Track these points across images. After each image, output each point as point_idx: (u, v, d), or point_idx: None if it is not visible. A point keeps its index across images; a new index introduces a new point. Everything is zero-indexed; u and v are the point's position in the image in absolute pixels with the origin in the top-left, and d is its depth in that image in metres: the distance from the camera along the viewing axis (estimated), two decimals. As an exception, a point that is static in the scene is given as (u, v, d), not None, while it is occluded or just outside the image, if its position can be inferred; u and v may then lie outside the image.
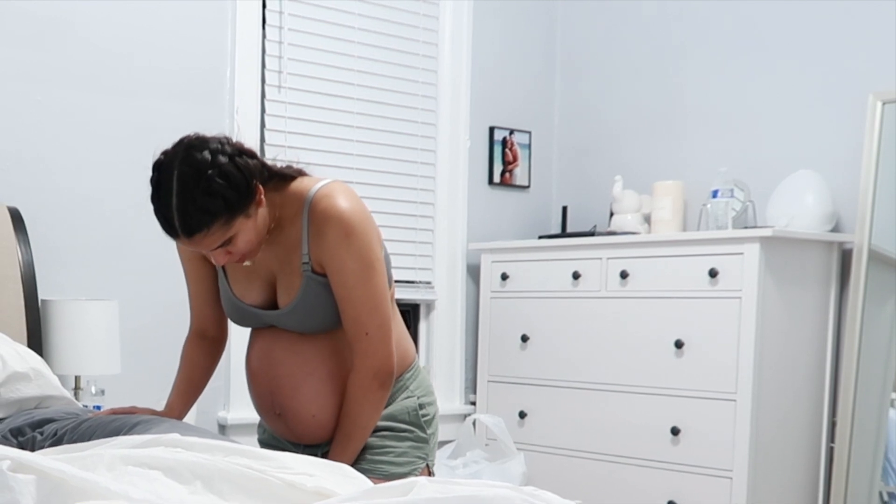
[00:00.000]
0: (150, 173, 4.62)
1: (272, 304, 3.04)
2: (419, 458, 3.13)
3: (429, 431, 3.17)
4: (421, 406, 3.14)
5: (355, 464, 2.97)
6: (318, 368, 3.01)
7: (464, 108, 5.86)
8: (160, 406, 3.44)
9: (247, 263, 2.97)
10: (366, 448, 3.04)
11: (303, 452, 3.00)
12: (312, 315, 2.96)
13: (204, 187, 2.73)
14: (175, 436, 2.29)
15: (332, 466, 2.28)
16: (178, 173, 2.75)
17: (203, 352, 3.30)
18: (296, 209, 2.92)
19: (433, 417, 3.19)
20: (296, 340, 3.02)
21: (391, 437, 3.08)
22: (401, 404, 3.10)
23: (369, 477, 2.81)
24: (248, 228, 2.81)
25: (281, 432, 3.14)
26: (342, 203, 2.88)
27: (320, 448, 3.07)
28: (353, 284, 2.89)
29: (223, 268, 3.07)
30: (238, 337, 3.47)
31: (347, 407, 2.98)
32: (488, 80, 5.97)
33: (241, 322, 3.15)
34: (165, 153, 2.85)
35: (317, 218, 2.88)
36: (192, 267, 3.19)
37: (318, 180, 2.95)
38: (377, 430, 3.05)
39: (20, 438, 2.92)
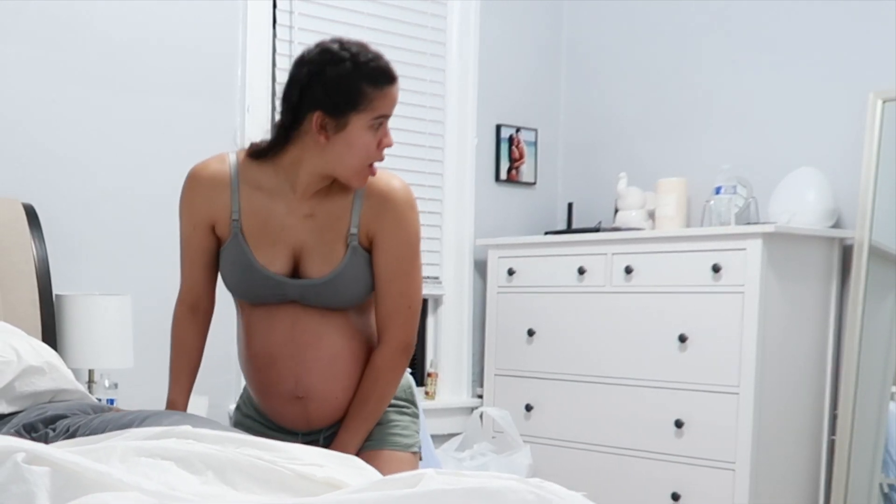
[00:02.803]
0: (162, 170, 4.68)
1: (291, 276, 3.01)
2: (415, 432, 3.19)
3: (418, 408, 3.26)
4: (409, 385, 3.22)
5: (366, 439, 3.05)
6: (343, 349, 3.02)
7: (471, 107, 5.90)
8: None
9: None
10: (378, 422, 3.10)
11: (301, 440, 3.02)
12: (348, 287, 2.99)
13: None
14: (187, 427, 2.29)
15: (341, 458, 2.29)
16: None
17: (197, 330, 3.23)
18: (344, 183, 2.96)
19: (415, 392, 3.27)
20: (319, 321, 3.00)
21: (394, 411, 3.14)
22: None
23: (384, 450, 2.93)
24: None
25: (290, 418, 3.08)
26: (399, 183, 3.02)
27: (321, 433, 3.08)
28: (408, 258, 3.00)
29: (244, 237, 3.00)
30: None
31: (373, 382, 3.03)
32: (495, 78, 6.00)
33: (256, 296, 3.05)
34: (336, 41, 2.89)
35: (377, 194, 2.97)
36: (198, 235, 3.10)
37: None
38: None
39: (33, 435, 2.89)
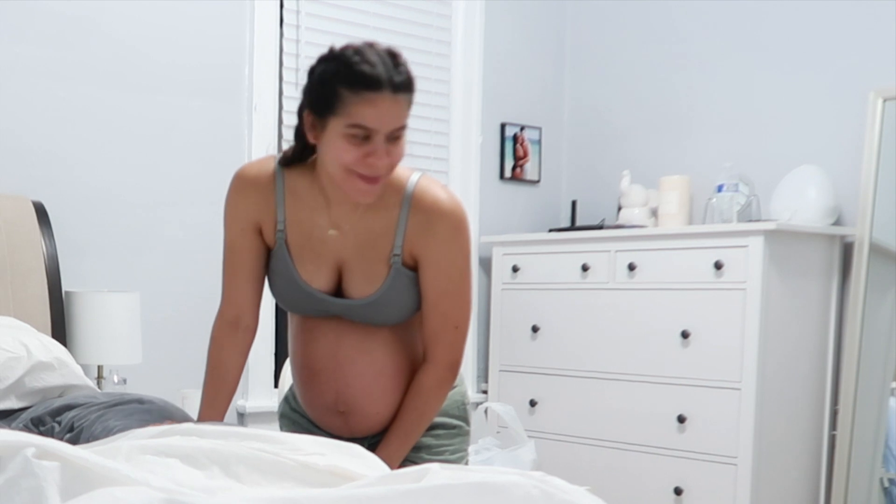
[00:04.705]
0: (170, 168, 4.67)
1: (334, 293, 2.86)
2: (465, 451, 3.10)
3: (470, 424, 3.12)
4: (463, 401, 3.07)
5: (412, 462, 2.90)
6: (386, 366, 2.88)
7: (476, 105, 5.93)
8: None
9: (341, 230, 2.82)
10: (421, 447, 2.97)
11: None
12: (392, 307, 2.85)
13: (405, 62, 2.64)
14: (189, 424, 2.31)
15: (341, 446, 2.27)
16: (380, 46, 2.63)
17: (237, 350, 2.98)
18: (390, 198, 2.78)
19: (469, 407, 3.14)
20: (363, 337, 2.86)
21: (445, 435, 3.03)
22: (450, 397, 3.01)
23: None
24: (405, 138, 2.69)
25: (333, 427, 2.96)
26: (449, 199, 2.81)
27: (366, 441, 2.91)
28: (456, 279, 2.84)
29: (288, 249, 2.85)
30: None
31: (417, 400, 2.90)
32: (500, 77, 6.03)
33: (297, 309, 2.93)
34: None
35: (424, 211, 2.78)
36: (248, 241, 2.89)
37: (408, 170, 2.82)
38: (431, 427, 2.98)
39: (41, 428, 2.93)
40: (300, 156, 2.82)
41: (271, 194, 2.84)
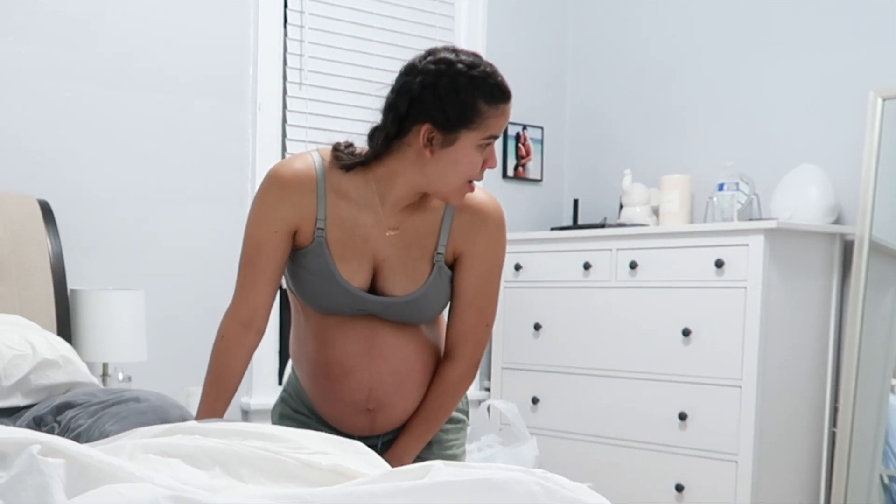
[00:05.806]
0: (175, 167, 4.67)
1: (371, 290, 2.84)
2: (465, 444, 3.13)
3: (469, 416, 3.17)
4: (466, 396, 3.10)
5: (424, 458, 2.91)
6: (417, 363, 2.89)
7: (478, 105, 5.90)
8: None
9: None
10: (432, 443, 3.00)
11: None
12: (430, 305, 2.88)
13: None
14: (192, 423, 2.30)
15: (343, 443, 2.27)
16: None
17: (245, 352, 2.89)
18: (434, 198, 2.82)
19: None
20: (394, 335, 2.86)
21: (453, 429, 3.07)
22: None
23: None
24: None
25: (354, 426, 2.91)
26: (491, 200, 2.88)
27: (380, 438, 2.95)
28: (494, 277, 2.90)
29: (327, 246, 2.79)
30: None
31: (443, 396, 2.94)
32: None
33: (331, 308, 2.85)
34: (447, 50, 2.70)
35: (469, 211, 2.83)
36: (279, 242, 2.80)
37: None
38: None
39: (43, 428, 2.90)
40: (369, 160, 2.78)
41: (312, 192, 2.78)
